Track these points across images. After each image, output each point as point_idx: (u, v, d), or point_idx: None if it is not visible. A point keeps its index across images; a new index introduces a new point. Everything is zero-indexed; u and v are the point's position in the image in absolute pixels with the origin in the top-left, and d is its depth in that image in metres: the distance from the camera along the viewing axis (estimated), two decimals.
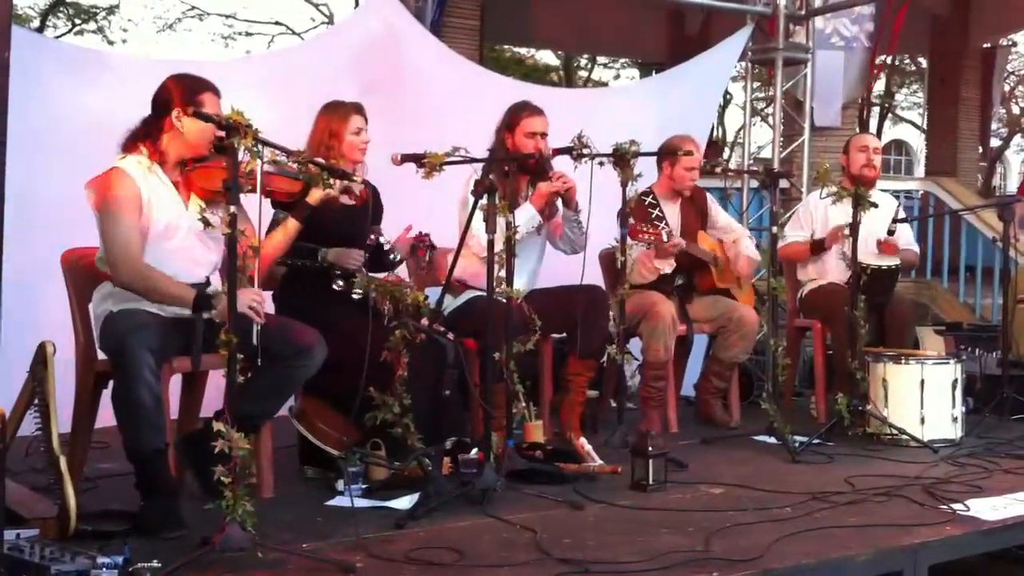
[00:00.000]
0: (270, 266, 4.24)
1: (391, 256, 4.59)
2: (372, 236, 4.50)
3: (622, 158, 4.89)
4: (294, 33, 23.29)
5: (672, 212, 5.70)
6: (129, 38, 22.93)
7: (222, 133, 3.27)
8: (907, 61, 20.79)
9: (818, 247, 5.86)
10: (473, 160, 4.44)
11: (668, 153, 5.57)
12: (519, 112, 5.05)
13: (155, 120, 3.83)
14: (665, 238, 5.24)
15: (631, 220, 5.08)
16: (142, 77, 4.13)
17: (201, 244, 3.86)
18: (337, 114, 4.55)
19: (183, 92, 3.79)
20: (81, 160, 3.96)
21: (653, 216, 5.58)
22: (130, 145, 3.83)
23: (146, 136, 3.82)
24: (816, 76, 8.31)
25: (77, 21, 22.25)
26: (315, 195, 4.09)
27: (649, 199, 5.65)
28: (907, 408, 5.17)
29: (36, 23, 20.47)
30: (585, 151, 4.68)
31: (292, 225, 4.16)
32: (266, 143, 3.35)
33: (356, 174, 4.39)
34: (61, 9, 21.82)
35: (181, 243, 3.82)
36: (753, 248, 5.95)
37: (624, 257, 4.99)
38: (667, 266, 5.50)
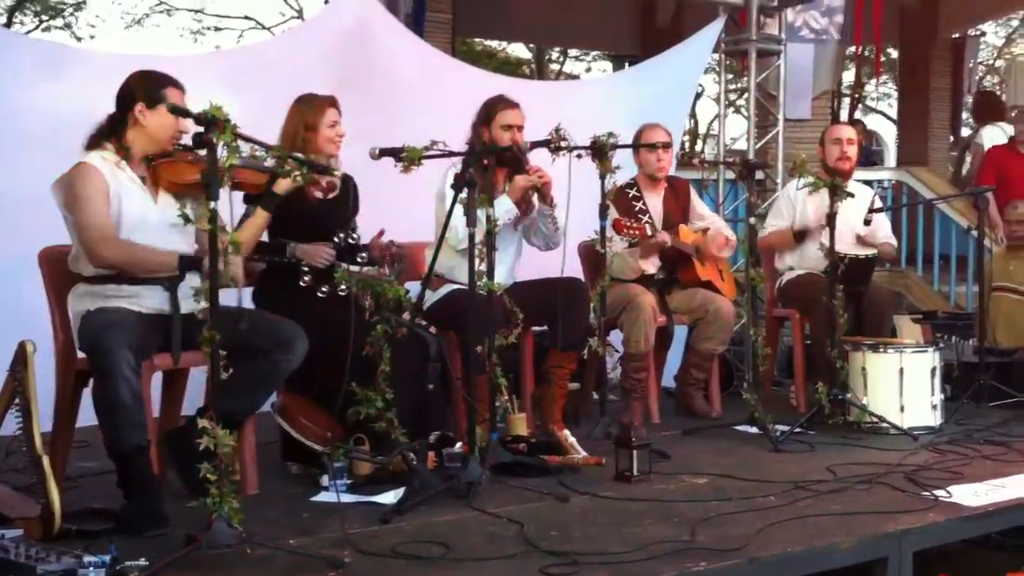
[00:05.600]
0: (246, 260, 4.22)
1: (360, 256, 4.55)
2: (342, 235, 4.46)
3: (600, 150, 4.90)
4: (264, 28, 23.22)
5: (655, 203, 5.72)
6: (97, 34, 22.82)
7: (199, 128, 3.24)
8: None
9: (802, 235, 5.86)
10: (452, 154, 4.43)
11: (634, 145, 5.61)
12: (495, 106, 5.05)
13: (119, 116, 3.83)
14: (649, 232, 5.25)
15: (614, 213, 5.09)
16: (112, 73, 4.08)
17: (171, 238, 3.84)
18: (312, 107, 4.54)
19: (146, 88, 3.80)
20: (53, 156, 3.92)
21: (636, 208, 5.60)
22: (95, 142, 3.83)
23: (111, 133, 3.83)
24: (787, 69, 8.32)
25: (44, 17, 22.09)
26: (282, 185, 4.09)
27: (632, 191, 5.67)
28: (886, 396, 5.20)
29: (3, 19, 20.29)
30: (563, 144, 4.67)
31: (261, 216, 4.16)
32: (244, 138, 3.33)
33: (332, 167, 4.39)
34: (28, 5, 21.64)
35: (152, 237, 3.80)
36: (729, 230, 5.98)
37: (604, 250, 4.99)
38: (651, 266, 5.52)
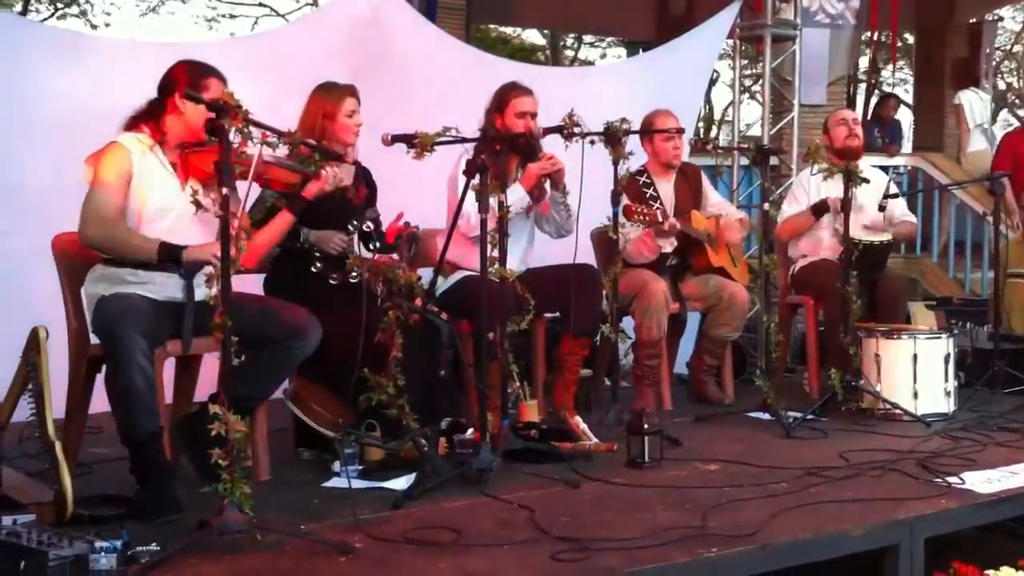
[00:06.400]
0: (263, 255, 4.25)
1: (373, 244, 4.55)
2: (356, 223, 4.46)
3: (613, 137, 4.88)
4: (278, 15, 23.20)
5: (666, 190, 5.70)
6: (112, 22, 22.82)
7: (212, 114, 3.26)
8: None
9: (820, 209, 5.80)
10: (464, 140, 4.42)
11: (646, 132, 5.59)
12: (508, 92, 5.04)
13: (159, 102, 3.88)
14: (660, 218, 5.24)
15: (625, 200, 5.08)
16: (127, 60, 4.11)
17: (195, 226, 3.85)
18: (332, 96, 4.54)
19: (188, 76, 3.83)
20: (67, 144, 3.96)
21: (647, 195, 5.58)
22: (132, 124, 3.88)
23: (149, 116, 3.88)
24: (802, 54, 8.28)
25: (60, 5, 22.11)
26: (311, 189, 4.09)
27: (643, 178, 5.65)
28: (900, 383, 5.18)
29: (19, 7, 20.32)
30: (576, 130, 4.65)
31: (285, 218, 4.17)
32: (257, 124, 3.34)
33: (347, 156, 4.39)
34: None
35: (175, 224, 3.82)
36: (742, 213, 5.97)
37: (617, 236, 4.98)
38: (668, 244, 5.50)
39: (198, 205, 3.48)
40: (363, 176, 4.66)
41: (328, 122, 4.50)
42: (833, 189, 5.60)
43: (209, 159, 3.76)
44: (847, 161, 5.53)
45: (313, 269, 4.41)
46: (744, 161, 7.86)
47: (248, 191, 3.47)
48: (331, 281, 4.37)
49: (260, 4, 23.70)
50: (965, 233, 10.11)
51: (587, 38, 23.89)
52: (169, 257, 3.71)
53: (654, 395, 5.48)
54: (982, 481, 3.92)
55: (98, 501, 3.53)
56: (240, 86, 3.37)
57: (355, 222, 4.43)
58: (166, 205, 3.80)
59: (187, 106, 3.79)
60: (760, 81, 8.45)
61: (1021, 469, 4.12)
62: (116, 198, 3.73)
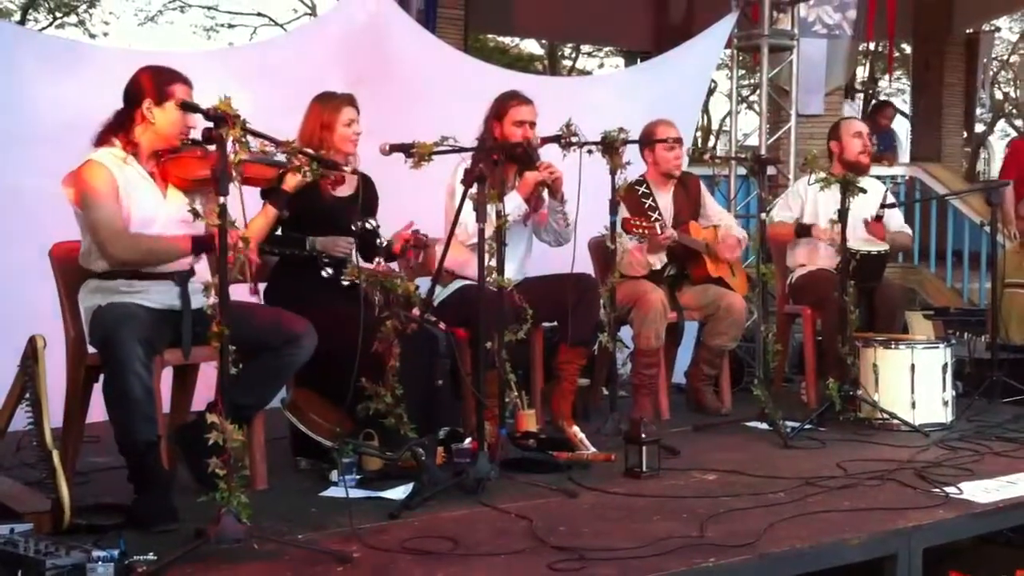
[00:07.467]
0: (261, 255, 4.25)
1: (380, 241, 4.57)
2: (359, 224, 4.47)
3: (610, 146, 4.88)
4: (277, 24, 23.27)
5: (665, 200, 5.70)
6: (111, 31, 22.89)
7: (209, 124, 3.25)
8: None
9: (804, 231, 5.85)
10: (462, 149, 4.42)
11: (647, 141, 5.59)
12: (507, 101, 5.04)
13: (127, 112, 3.84)
14: (659, 230, 5.24)
15: (624, 212, 5.08)
16: (125, 69, 4.08)
17: (180, 233, 3.85)
18: (330, 105, 4.55)
19: (154, 83, 3.80)
20: (65, 153, 3.93)
21: (647, 205, 5.58)
22: (103, 138, 3.84)
23: (119, 128, 3.84)
24: (799, 64, 8.30)
25: (58, 14, 22.17)
26: (291, 182, 4.10)
27: (642, 188, 5.65)
28: (898, 392, 5.18)
29: (17, 16, 20.36)
30: (574, 139, 4.66)
31: (270, 212, 4.18)
32: (254, 133, 3.33)
33: (348, 165, 4.40)
34: (42, 2, 21.72)
35: (162, 231, 3.81)
36: (740, 230, 5.98)
37: (614, 245, 4.98)
38: (658, 262, 5.51)
39: (196, 215, 3.48)
40: (364, 185, 4.66)
41: (327, 132, 4.51)
42: (830, 199, 5.59)
43: (185, 165, 3.77)
44: (852, 173, 5.51)
45: (324, 274, 4.42)
46: (741, 171, 7.85)
47: (241, 195, 3.46)
48: (343, 283, 4.39)
49: (259, 14, 23.85)
50: (963, 242, 10.12)
51: (585, 48, 23.96)
52: (203, 250, 3.74)
53: (652, 404, 5.47)
54: (980, 491, 3.91)
55: (95, 510, 3.53)
56: (238, 96, 3.36)
57: (357, 223, 4.44)
58: (150, 215, 3.79)
59: (155, 114, 3.78)
60: (757, 91, 8.44)
61: (1019, 479, 4.12)
62: (118, 211, 3.72)
